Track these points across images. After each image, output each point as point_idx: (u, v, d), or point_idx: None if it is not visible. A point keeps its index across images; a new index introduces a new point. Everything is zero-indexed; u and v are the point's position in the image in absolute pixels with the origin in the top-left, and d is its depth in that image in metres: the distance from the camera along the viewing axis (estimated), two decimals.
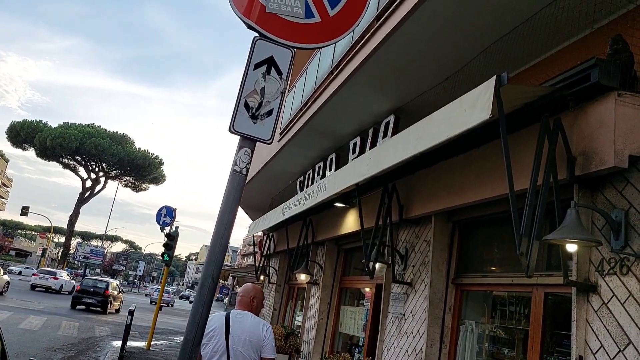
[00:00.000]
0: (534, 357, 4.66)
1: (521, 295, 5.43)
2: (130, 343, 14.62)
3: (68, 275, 37.26)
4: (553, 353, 4.79)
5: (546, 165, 3.95)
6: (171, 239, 14.62)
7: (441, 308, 6.17)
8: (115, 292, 26.94)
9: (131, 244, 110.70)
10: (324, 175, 9.15)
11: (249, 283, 4.78)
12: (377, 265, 6.98)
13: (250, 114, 2.16)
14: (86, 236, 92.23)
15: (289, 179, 11.76)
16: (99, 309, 24.71)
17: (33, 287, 32.47)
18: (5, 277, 25.88)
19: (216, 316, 4.24)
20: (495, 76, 3.62)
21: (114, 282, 28.45)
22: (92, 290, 24.78)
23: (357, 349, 8.87)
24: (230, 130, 2.16)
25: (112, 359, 11.20)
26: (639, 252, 3.60)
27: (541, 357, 4.62)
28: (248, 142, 2.17)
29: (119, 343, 12.73)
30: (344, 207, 9.06)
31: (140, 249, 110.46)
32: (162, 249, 14.88)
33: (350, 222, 8.95)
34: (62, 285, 33.42)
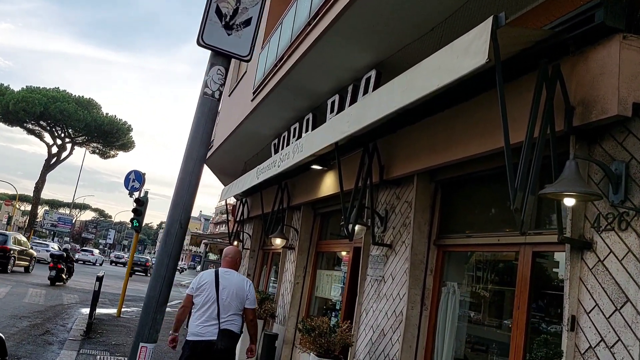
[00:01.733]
0: (520, 318, 4.50)
1: (507, 255, 5.27)
2: (99, 310, 14.25)
3: (100, 252, 53.50)
4: (541, 313, 4.65)
5: (543, 116, 3.70)
6: (140, 205, 14.14)
7: (422, 270, 5.99)
8: (150, 263, 43.34)
9: (101, 212, 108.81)
10: (299, 137, 8.79)
11: (232, 246, 5.89)
12: (357, 228, 6.74)
13: (223, 23, 1.77)
14: (54, 204, 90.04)
15: (262, 142, 11.36)
16: (142, 273, 41.36)
17: (77, 260, 42.25)
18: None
19: (206, 272, 5.16)
20: (492, 17, 3.31)
21: (150, 257, 45.52)
22: (139, 262, 40.80)
23: (333, 313, 8.72)
24: (199, 43, 1.78)
25: (80, 326, 10.84)
26: (639, 206, 3.40)
27: (528, 317, 4.46)
28: (221, 58, 1.78)
29: (87, 310, 12.35)
30: (321, 169, 8.77)
31: (110, 217, 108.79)
32: (132, 216, 14.39)
33: (328, 185, 8.67)
34: (97, 259, 47.63)
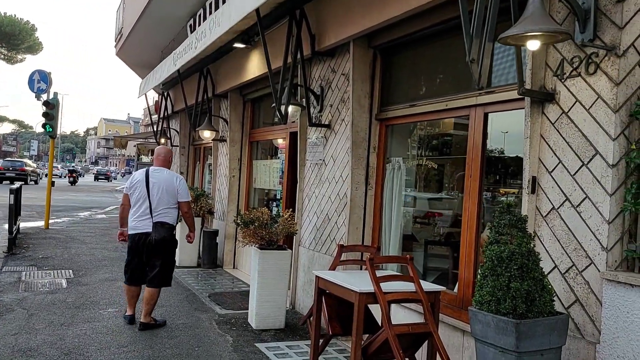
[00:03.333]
0: (473, 187, 4.17)
1: (456, 123, 4.86)
2: (27, 224, 13.41)
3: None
4: (496, 180, 4.35)
5: None
6: (51, 108, 12.82)
7: (365, 147, 5.52)
8: (111, 174, 56.89)
9: (20, 123, 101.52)
10: None
11: (163, 146, 6.49)
12: (290, 109, 6.10)
13: None
14: None
15: (177, 25, 10.17)
16: (106, 181, 51.50)
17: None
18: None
19: (138, 172, 5.56)
20: None
21: (112, 168, 56.48)
22: (102, 172, 55.26)
23: (275, 203, 8.34)
24: None
25: (3, 244, 10.02)
26: (611, 43, 2.94)
27: (481, 186, 4.13)
28: None
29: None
30: (246, 48, 7.88)
31: (32, 127, 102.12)
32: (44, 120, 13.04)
33: (255, 66, 7.85)
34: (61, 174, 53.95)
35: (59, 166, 57.83)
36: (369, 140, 5.50)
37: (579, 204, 3.06)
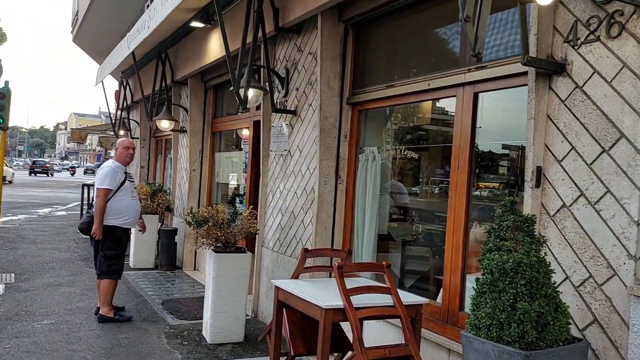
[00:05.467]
0: (460, 179, 3.54)
1: (438, 106, 4.23)
2: None
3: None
4: (487, 172, 3.73)
5: None
6: (1, 97, 11.81)
7: (335, 136, 4.86)
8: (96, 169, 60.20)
9: None
10: None
11: (122, 138, 6.50)
12: (251, 93, 5.38)
13: None
14: None
15: (135, 7, 9.35)
16: (93, 175, 52.14)
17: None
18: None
19: None
20: None
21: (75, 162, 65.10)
22: (90, 168, 55.67)
23: (239, 199, 7.63)
24: None
25: None
26: None
27: (470, 178, 3.50)
28: None
29: None
30: (205, 28, 7.12)
31: None
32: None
33: (216, 48, 7.11)
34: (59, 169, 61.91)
35: (57, 162, 73.26)
36: (339, 128, 4.84)
37: (598, 201, 2.45)
